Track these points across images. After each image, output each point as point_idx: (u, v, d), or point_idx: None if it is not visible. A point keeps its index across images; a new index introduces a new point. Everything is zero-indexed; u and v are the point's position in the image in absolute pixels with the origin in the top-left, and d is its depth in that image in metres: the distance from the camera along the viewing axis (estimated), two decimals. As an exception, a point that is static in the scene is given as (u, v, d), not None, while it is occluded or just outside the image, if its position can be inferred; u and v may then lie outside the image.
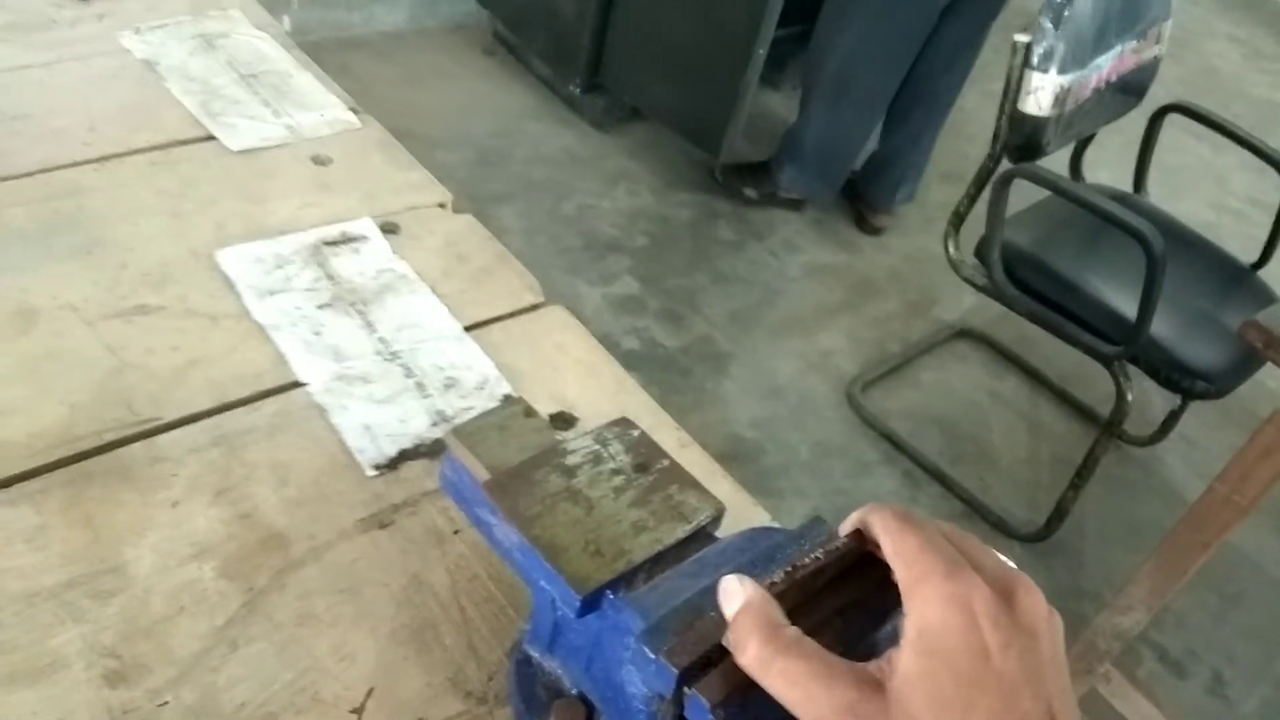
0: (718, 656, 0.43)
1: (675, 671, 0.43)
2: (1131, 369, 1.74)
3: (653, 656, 0.44)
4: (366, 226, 0.83)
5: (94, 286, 0.72)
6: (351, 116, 0.95)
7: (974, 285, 1.88)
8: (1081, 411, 2.30)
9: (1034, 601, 0.40)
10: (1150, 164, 2.03)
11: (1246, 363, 1.72)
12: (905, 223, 2.78)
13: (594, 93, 2.78)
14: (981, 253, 1.84)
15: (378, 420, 0.68)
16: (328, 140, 0.91)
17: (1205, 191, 3.19)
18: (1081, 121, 1.76)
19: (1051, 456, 2.19)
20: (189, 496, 0.61)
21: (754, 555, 0.49)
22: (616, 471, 0.55)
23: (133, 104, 0.89)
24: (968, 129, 3.01)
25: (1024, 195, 1.79)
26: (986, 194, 1.75)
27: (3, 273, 0.71)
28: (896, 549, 0.41)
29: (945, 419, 2.26)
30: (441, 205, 0.88)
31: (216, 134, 0.88)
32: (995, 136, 1.70)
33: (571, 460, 0.55)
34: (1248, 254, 1.94)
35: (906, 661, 0.38)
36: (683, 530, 0.52)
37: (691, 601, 0.46)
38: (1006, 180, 1.71)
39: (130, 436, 0.63)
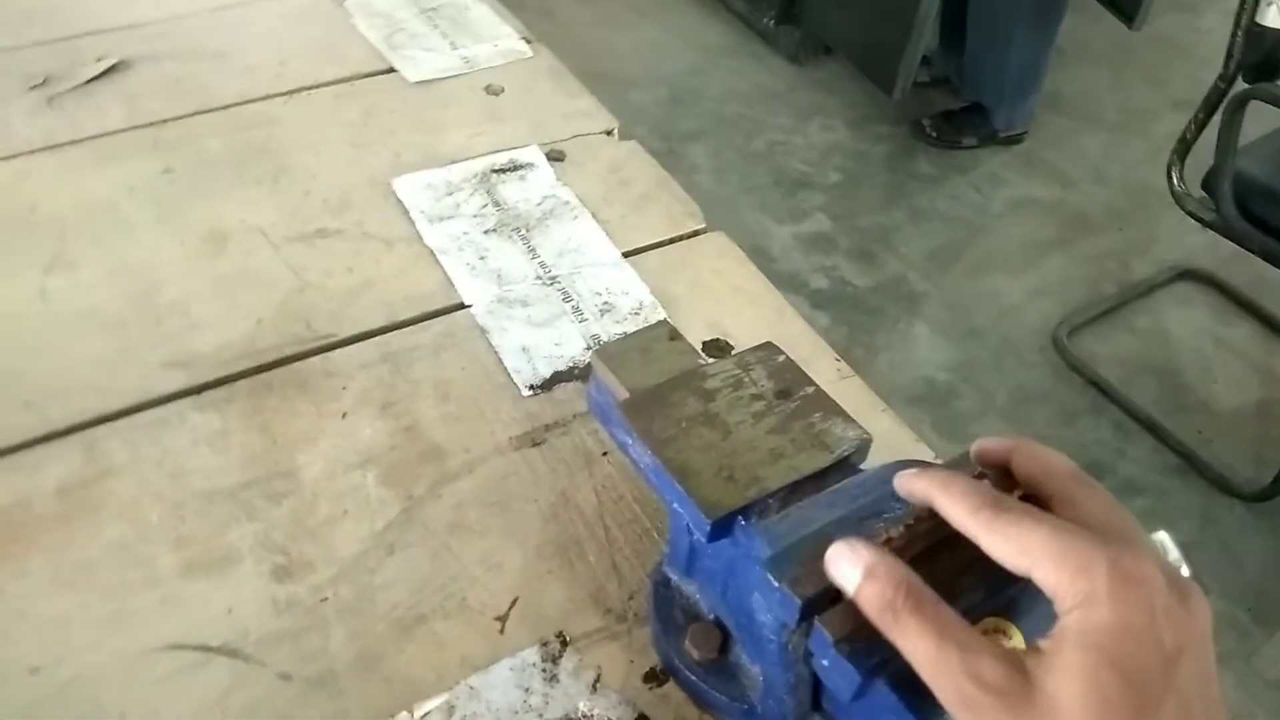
0: (846, 588, 0.41)
1: (799, 601, 0.41)
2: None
3: (777, 585, 0.42)
4: (533, 154, 0.83)
5: (280, 211, 0.76)
6: (524, 46, 0.95)
7: (1200, 220, 1.70)
8: (1326, 363, 2.06)
9: (1204, 605, 0.35)
10: None
11: None
12: (1125, 153, 2.56)
13: (788, 24, 2.69)
14: (1210, 185, 1.66)
15: (535, 342, 0.69)
16: (501, 70, 0.92)
17: None
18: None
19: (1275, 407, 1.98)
20: (357, 408, 0.64)
21: (894, 489, 0.46)
22: (757, 397, 0.53)
23: (322, 39, 0.93)
24: (1201, 51, 2.72)
25: (1262, 122, 1.60)
26: (1217, 120, 1.57)
27: (200, 198, 0.77)
28: (1066, 500, 0.38)
29: (1163, 367, 2.08)
30: (608, 132, 0.87)
31: (397, 66, 0.91)
32: (1229, 54, 1.51)
33: (711, 384, 0.53)
34: None
35: (1069, 656, 0.33)
36: (823, 459, 0.50)
37: (823, 532, 0.44)
38: (1241, 103, 1.52)
39: (308, 351, 0.67)
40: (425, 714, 0.51)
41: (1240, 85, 1.54)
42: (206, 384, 0.65)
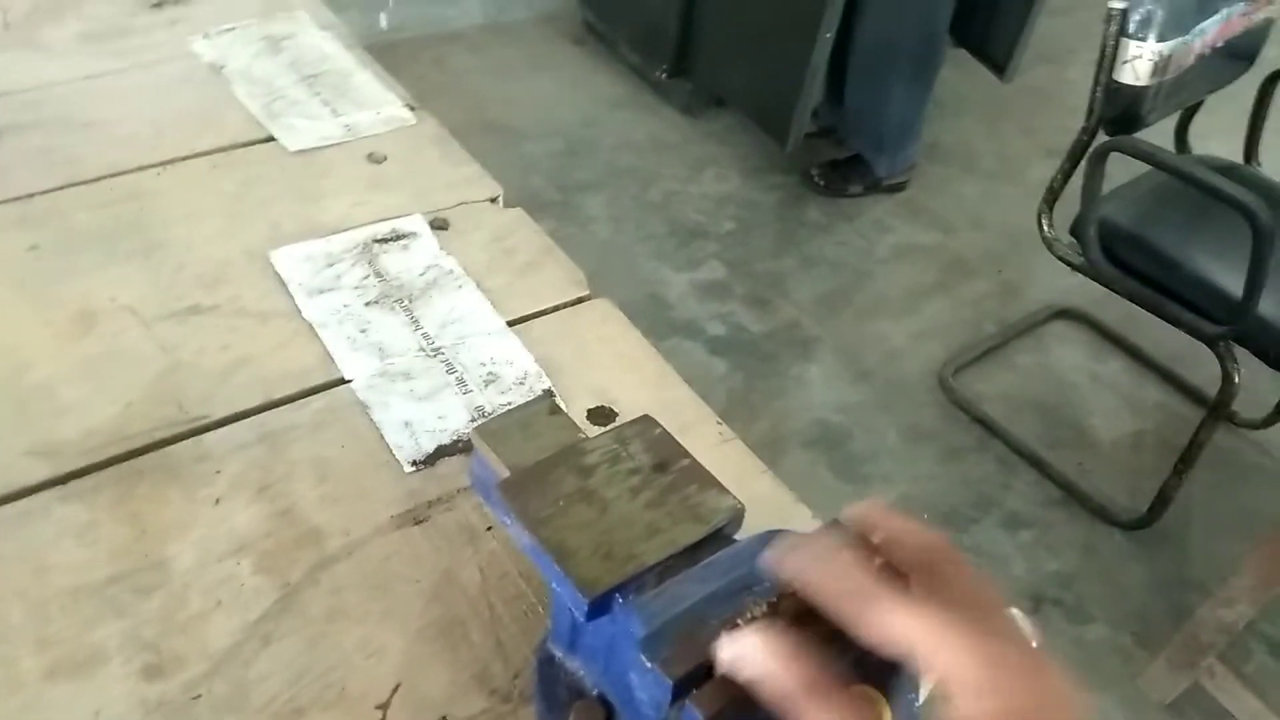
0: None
1: (670, 681, 0.42)
2: (1240, 350, 1.64)
3: (649, 665, 0.43)
4: (417, 223, 0.84)
5: (151, 288, 0.75)
6: (408, 113, 0.96)
7: (1069, 264, 1.79)
8: (1190, 394, 2.18)
9: (1063, 680, 0.37)
10: (1262, 132, 1.90)
11: (1370, 343, 1.60)
12: (1001, 200, 2.68)
13: (681, 78, 2.76)
14: (1077, 230, 1.75)
15: (418, 417, 0.69)
16: (384, 138, 0.92)
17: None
18: (1185, 90, 1.66)
19: (1156, 441, 2.08)
20: (231, 494, 0.63)
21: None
22: (634, 471, 0.54)
23: (198, 108, 0.92)
24: (1070, 100, 2.88)
25: (1125, 169, 1.70)
26: (1083, 169, 1.67)
27: (68, 275, 0.74)
28: (930, 574, 0.40)
29: (1043, 403, 2.17)
30: (493, 200, 0.88)
31: (276, 135, 0.90)
32: (1090, 109, 1.61)
33: (590, 459, 0.54)
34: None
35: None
36: (698, 532, 0.51)
37: (695, 609, 0.45)
38: (1103, 154, 1.62)
39: (179, 434, 0.66)
40: (304, 812, 0.50)
41: (1102, 137, 1.64)
42: (72, 473, 0.62)
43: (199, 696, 0.53)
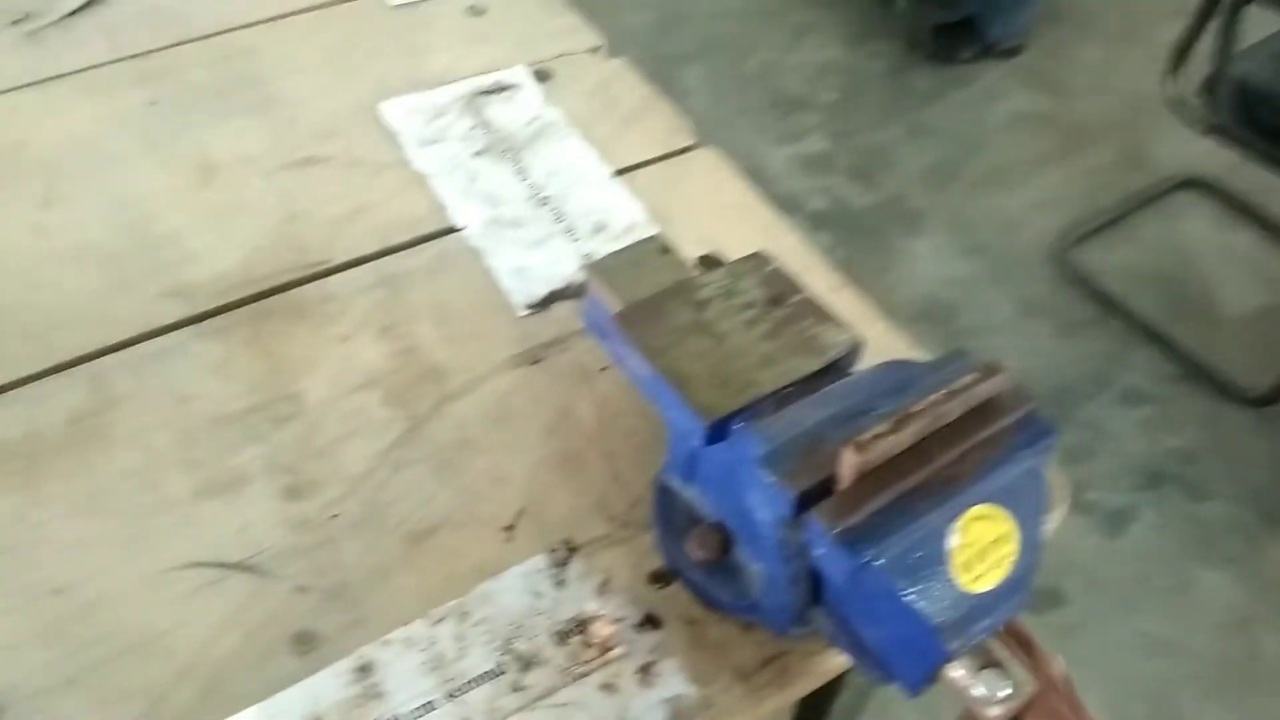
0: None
1: (793, 494, 0.42)
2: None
3: (771, 480, 0.43)
4: (520, 74, 0.83)
5: (267, 140, 0.76)
6: (508, -36, 0.94)
7: (1196, 128, 1.68)
8: (1328, 267, 2.05)
9: None
10: None
11: None
12: (1125, 63, 2.52)
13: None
14: (1208, 91, 1.64)
15: (529, 263, 0.69)
16: (485, -11, 0.91)
17: None
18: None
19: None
20: (357, 332, 0.65)
21: (886, 387, 0.47)
22: (749, 305, 0.54)
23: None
24: (1208, -50, 2.65)
25: (1262, 26, 1.57)
26: (1214, 25, 1.54)
27: (187, 129, 0.76)
28: None
29: (1165, 276, 2.07)
30: (594, 50, 0.86)
31: (379, -13, 0.89)
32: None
33: (703, 294, 0.54)
34: None
35: None
36: (814, 363, 0.51)
37: (815, 430, 0.45)
38: (1239, 5, 1.50)
39: (303, 278, 0.68)
40: (440, 620, 0.52)
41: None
42: (206, 313, 0.65)
43: (336, 515, 0.56)
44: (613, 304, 0.55)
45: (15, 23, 0.84)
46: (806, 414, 0.47)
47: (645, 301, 0.54)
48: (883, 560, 0.41)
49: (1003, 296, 2.00)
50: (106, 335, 0.64)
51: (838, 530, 0.41)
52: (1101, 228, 2.15)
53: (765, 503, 0.45)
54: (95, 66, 0.81)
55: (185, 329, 0.64)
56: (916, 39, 2.51)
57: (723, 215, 0.74)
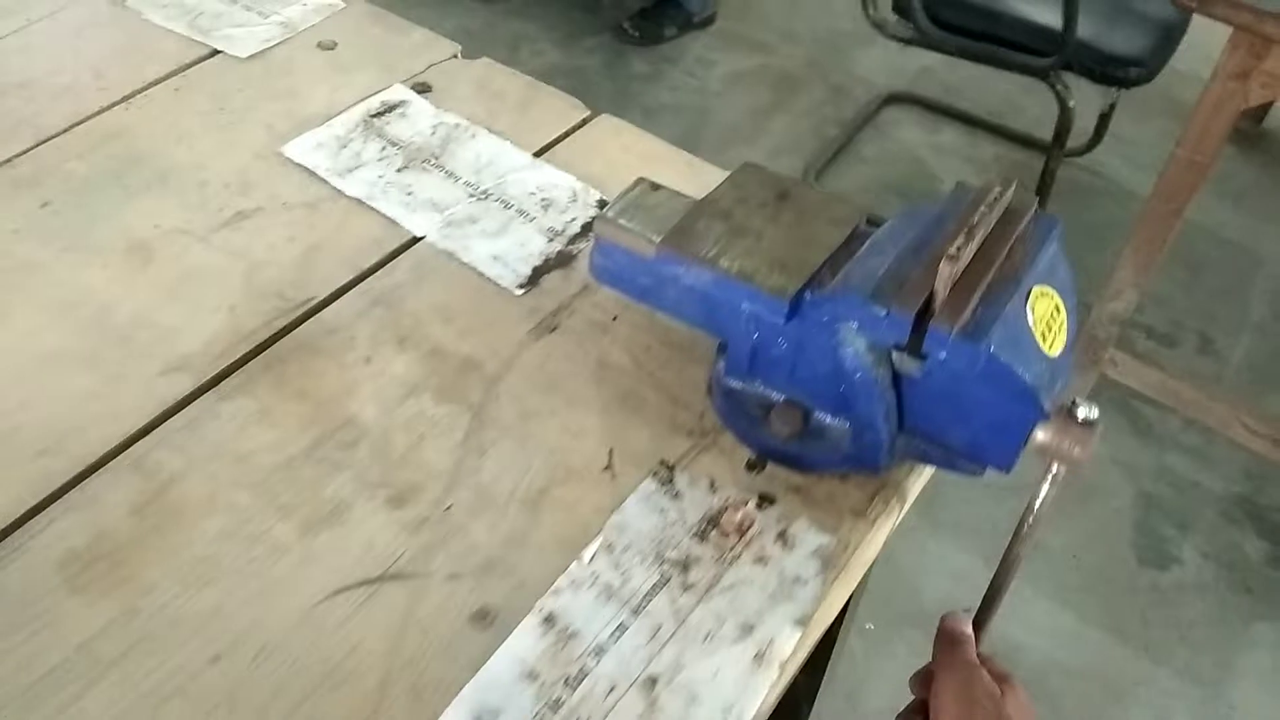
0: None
1: (910, 315, 0.50)
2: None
3: (884, 312, 0.51)
4: (401, 92, 0.85)
5: (187, 208, 0.74)
6: (334, 1, 0.95)
7: (901, 39, 1.93)
8: (1019, 140, 2.41)
9: None
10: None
11: (1167, 40, 1.82)
12: (802, 10, 2.81)
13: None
14: (900, 6, 1.89)
15: (501, 249, 0.73)
16: (322, 26, 0.92)
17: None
18: None
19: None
20: (377, 350, 0.66)
21: (924, 225, 0.56)
22: (763, 204, 0.61)
23: (125, 42, 0.89)
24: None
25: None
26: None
27: (98, 221, 0.73)
28: None
29: (898, 183, 2.35)
30: (455, 56, 0.90)
31: (220, 47, 0.88)
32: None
33: (723, 205, 0.61)
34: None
35: None
36: (843, 232, 0.59)
37: (891, 270, 0.53)
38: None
39: (297, 319, 0.68)
40: (591, 558, 0.56)
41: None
42: (217, 377, 0.64)
43: (450, 507, 0.58)
44: (640, 244, 0.60)
45: None
46: (871, 264, 0.55)
47: (677, 227, 0.60)
48: (994, 346, 0.50)
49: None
50: (126, 426, 0.61)
51: (957, 330, 0.49)
52: (835, 156, 2.41)
53: (873, 339, 0.52)
54: (-44, 184, 0.75)
55: (203, 396, 0.63)
56: (621, 28, 2.67)
57: (646, 167, 0.80)
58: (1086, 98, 2.00)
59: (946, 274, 0.49)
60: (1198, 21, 1.79)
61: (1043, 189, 2.00)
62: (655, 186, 0.65)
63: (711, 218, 0.60)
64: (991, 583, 0.58)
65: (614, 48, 2.68)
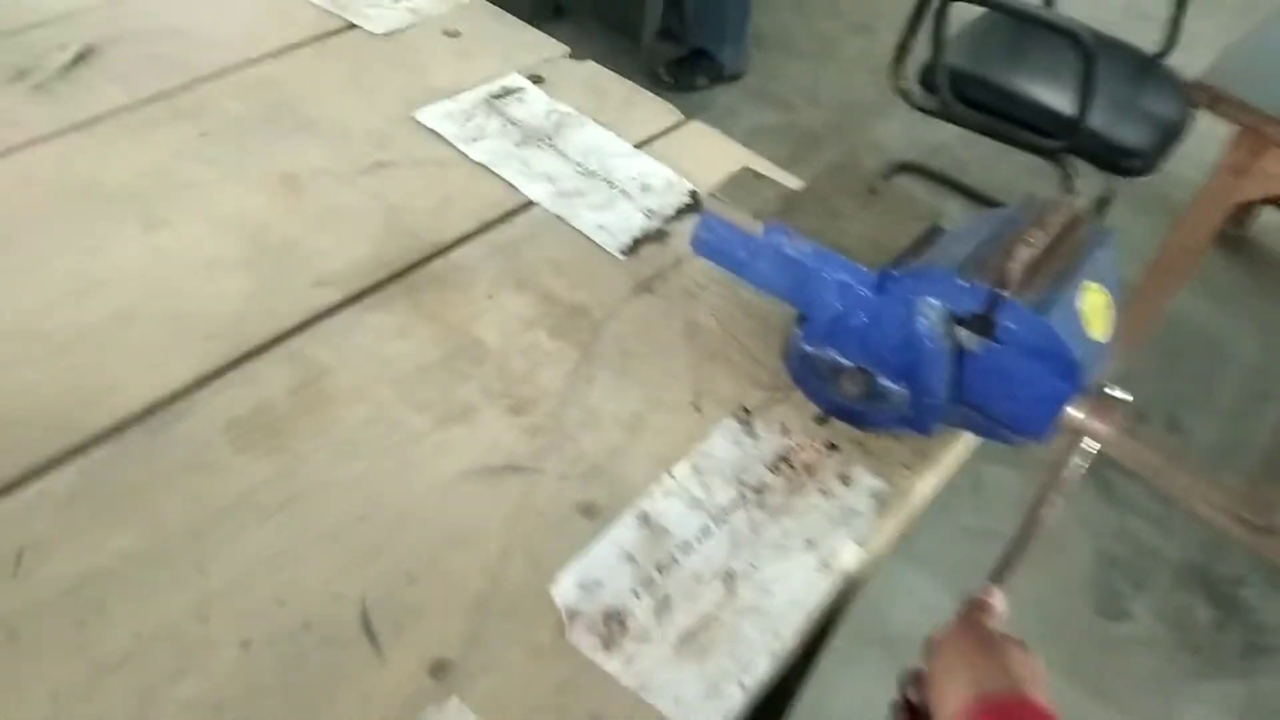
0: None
1: (988, 286, 0.60)
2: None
3: (968, 284, 0.61)
4: (518, 80, 0.96)
5: (331, 153, 0.84)
6: (456, -4, 1.06)
7: (926, 111, 2.07)
8: (1020, 217, 2.55)
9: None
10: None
11: (1168, 138, 1.97)
12: (827, 76, 2.97)
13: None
14: (927, 80, 2.03)
15: (606, 220, 0.83)
16: (447, 16, 1.03)
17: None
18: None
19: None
20: (498, 289, 0.75)
21: (996, 224, 0.67)
22: (855, 195, 0.72)
23: (265, 8, 0.99)
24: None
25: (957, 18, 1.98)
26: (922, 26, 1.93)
27: (249, 152, 0.83)
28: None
29: (905, 244, 2.48)
30: (567, 55, 1.01)
31: (356, 22, 0.99)
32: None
33: (822, 191, 0.71)
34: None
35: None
36: (924, 225, 0.70)
37: (974, 254, 0.64)
38: (944, 6, 1.89)
39: (428, 255, 0.77)
40: (682, 476, 0.65)
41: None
42: (362, 291, 0.73)
43: (562, 420, 0.67)
44: (746, 220, 0.71)
45: (15, 79, 0.85)
46: (953, 249, 0.65)
47: (784, 206, 0.70)
48: (1054, 320, 0.60)
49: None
50: (282, 323, 0.70)
51: (1028, 302, 0.59)
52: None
53: (954, 308, 0.62)
54: (126, 108, 0.84)
55: (350, 307, 0.72)
56: (656, 74, 2.81)
57: (730, 166, 0.91)
58: (1087, 185, 2.14)
59: (1024, 257, 0.60)
60: (1196, 128, 1.95)
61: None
62: (757, 175, 0.75)
63: (812, 200, 0.70)
64: (1011, 542, 0.67)
65: (649, 88, 2.81)
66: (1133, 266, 1.68)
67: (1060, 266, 0.62)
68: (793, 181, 0.86)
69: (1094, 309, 0.63)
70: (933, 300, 0.64)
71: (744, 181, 0.74)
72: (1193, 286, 2.40)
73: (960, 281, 0.61)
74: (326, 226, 0.78)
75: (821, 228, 0.68)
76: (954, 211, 2.58)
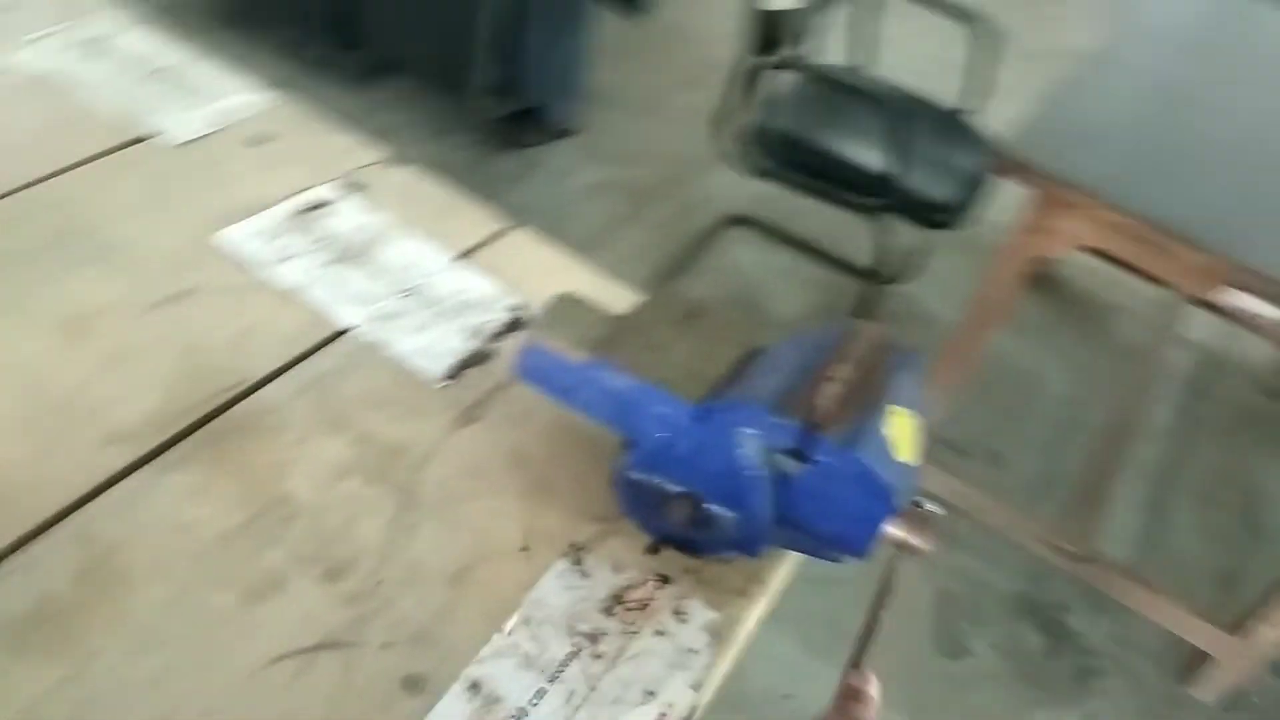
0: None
1: (801, 423, 0.61)
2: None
3: (780, 422, 0.62)
4: (330, 191, 0.92)
5: (123, 284, 0.78)
6: (268, 96, 1.01)
7: (752, 174, 2.13)
8: (846, 267, 2.65)
9: None
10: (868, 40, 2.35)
11: (974, 193, 2.09)
12: (657, 131, 3.02)
13: (347, 49, 2.79)
14: (749, 142, 2.09)
15: (424, 344, 0.80)
16: (253, 121, 0.98)
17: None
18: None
19: (826, 307, 2.53)
20: (308, 433, 0.71)
21: (809, 348, 0.68)
22: (673, 323, 0.71)
23: (57, 117, 0.92)
24: (696, 35, 3.28)
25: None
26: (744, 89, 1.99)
27: (35, 290, 0.76)
28: None
29: (736, 297, 2.54)
30: (383, 161, 0.98)
31: (154, 131, 0.93)
32: (744, 36, 1.94)
33: (640, 321, 0.71)
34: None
35: None
36: (737, 351, 0.70)
37: (781, 387, 0.64)
38: (756, 72, 1.96)
39: (233, 398, 0.72)
40: (511, 630, 0.63)
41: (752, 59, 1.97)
42: (156, 449, 0.68)
43: (381, 581, 0.64)
44: (569, 350, 0.69)
45: None
46: (765, 382, 0.66)
47: (604, 337, 0.69)
48: (864, 453, 0.61)
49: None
50: (66, 494, 0.64)
51: (837, 435, 0.60)
52: (678, 268, 2.58)
53: (768, 443, 0.63)
54: (-124, 245, 0.76)
55: (143, 469, 0.66)
56: (488, 129, 2.79)
57: (554, 277, 0.90)
58: (909, 231, 2.25)
59: (830, 392, 0.61)
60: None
61: (861, 313, 2.21)
62: (577, 300, 0.74)
63: (630, 332, 0.70)
64: (861, 632, 0.68)
65: (481, 147, 2.79)
66: (956, 306, 1.76)
67: (867, 397, 0.64)
68: (609, 288, 0.86)
69: (901, 432, 0.64)
70: (750, 431, 0.64)
71: (565, 308, 0.73)
72: (1005, 324, 2.55)
73: (774, 419, 0.62)
74: (118, 374, 0.72)
75: (640, 360, 0.68)
76: (783, 263, 2.65)
